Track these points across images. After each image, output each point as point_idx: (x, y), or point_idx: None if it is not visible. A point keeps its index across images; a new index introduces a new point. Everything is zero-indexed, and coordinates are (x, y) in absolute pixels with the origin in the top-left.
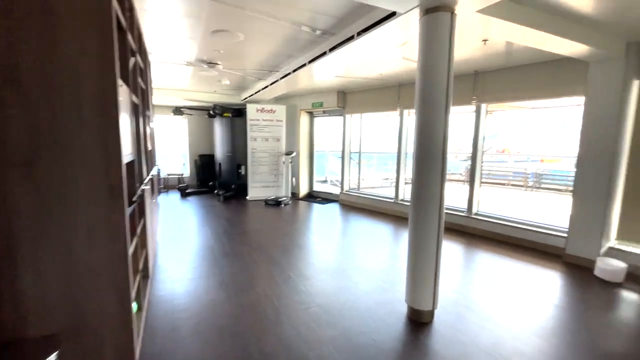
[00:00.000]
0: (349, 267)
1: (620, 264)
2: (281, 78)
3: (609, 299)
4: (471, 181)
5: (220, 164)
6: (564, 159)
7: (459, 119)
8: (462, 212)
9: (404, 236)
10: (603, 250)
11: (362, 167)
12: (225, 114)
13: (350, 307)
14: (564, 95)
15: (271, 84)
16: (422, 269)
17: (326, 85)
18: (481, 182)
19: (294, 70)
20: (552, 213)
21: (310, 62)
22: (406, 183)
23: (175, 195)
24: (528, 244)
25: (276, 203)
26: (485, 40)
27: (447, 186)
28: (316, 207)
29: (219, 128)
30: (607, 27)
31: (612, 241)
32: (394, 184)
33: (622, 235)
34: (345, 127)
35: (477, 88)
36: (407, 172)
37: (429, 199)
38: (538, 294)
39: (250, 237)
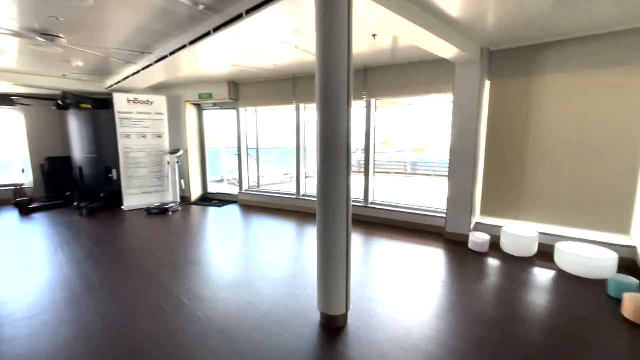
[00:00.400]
0: (254, 277)
1: (485, 237)
2: (157, 62)
3: (481, 267)
4: (366, 172)
5: (80, 168)
6: (429, 148)
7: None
8: (360, 202)
9: (309, 233)
10: (472, 225)
11: (261, 163)
12: (83, 105)
13: (260, 327)
14: (437, 92)
15: (144, 68)
16: (334, 272)
17: (216, 75)
18: (374, 173)
19: (172, 53)
20: (432, 196)
21: (191, 43)
22: (307, 177)
23: (11, 214)
24: (417, 227)
25: (162, 211)
26: (374, 35)
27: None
28: (212, 211)
29: (75, 123)
30: (468, 32)
31: (478, 217)
32: (295, 179)
33: (484, 212)
34: (240, 122)
35: (367, 83)
36: (307, 167)
37: (337, 197)
38: (429, 273)
39: (126, 258)
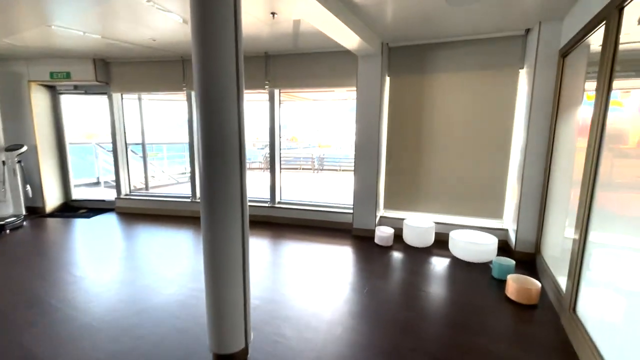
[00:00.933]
0: (130, 310)
1: (389, 231)
2: None
3: (387, 262)
4: (272, 169)
5: None
6: (334, 144)
7: (255, 108)
8: (266, 202)
9: None
10: (377, 220)
11: (150, 161)
12: None
13: None
14: (342, 86)
15: None
16: (227, 298)
17: (74, 48)
18: (281, 169)
19: None
20: (339, 191)
21: None
22: None
23: None
24: (326, 225)
25: None
26: (274, 14)
27: (248, 175)
28: (77, 223)
29: None
30: (370, 23)
31: (382, 211)
32: (189, 179)
33: (387, 205)
34: (114, 111)
35: (269, 72)
36: None
37: (228, 204)
38: (339, 276)
39: None
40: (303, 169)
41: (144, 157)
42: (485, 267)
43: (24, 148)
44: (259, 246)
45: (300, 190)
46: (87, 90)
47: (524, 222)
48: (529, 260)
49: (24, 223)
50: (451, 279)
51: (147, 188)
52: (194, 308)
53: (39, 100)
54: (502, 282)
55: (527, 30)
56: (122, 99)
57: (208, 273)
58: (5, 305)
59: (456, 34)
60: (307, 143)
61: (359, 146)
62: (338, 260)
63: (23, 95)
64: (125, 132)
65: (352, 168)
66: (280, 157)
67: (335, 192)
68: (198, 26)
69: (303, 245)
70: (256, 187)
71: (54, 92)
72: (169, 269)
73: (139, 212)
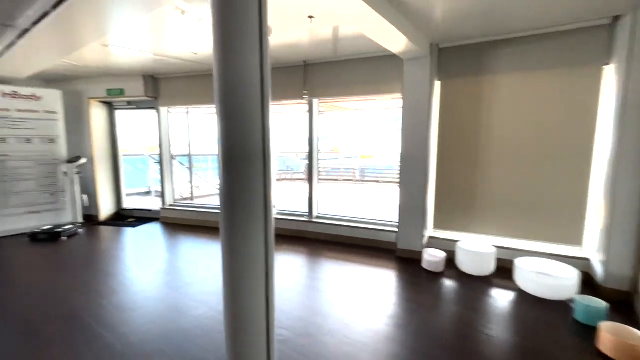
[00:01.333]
0: (159, 333)
1: (440, 255)
2: (19, 37)
3: (437, 293)
4: (310, 181)
5: None
6: (376, 154)
7: (295, 119)
8: (303, 216)
9: None
10: (426, 240)
11: (195, 172)
12: None
13: None
14: (386, 92)
15: (7, 47)
16: (246, 326)
17: (127, 66)
18: (319, 180)
19: (35, 24)
20: (382, 203)
21: (55, 7)
22: None
23: None
24: (367, 243)
25: (52, 236)
26: (311, 17)
27: (288, 186)
28: (123, 232)
29: None
30: (418, 22)
31: (431, 230)
32: None
33: (438, 225)
34: (162, 124)
35: (308, 81)
36: None
37: (249, 213)
38: (381, 308)
39: None
40: (344, 179)
41: (190, 168)
42: (564, 306)
43: (83, 160)
44: (292, 265)
45: (340, 203)
46: (138, 105)
47: (615, 251)
48: (623, 301)
49: (79, 231)
50: (520, 319)
51: (192, 198)
52: (218, 335)
53: (97, 116)
54: (589, 330)
55: (616, 18)
56: (168, 112)
57: (226, 297)
58: (38, 317)
59: (521, 29)
60: (348, 153)
61: (405, 157)
62: (380, 287)
63: (84, 111)
64: (170, 144)
65: (395, 179)
66: (317, 168)
67: (376, 205)
68: (218, 27)
69: (341, 267)
70: (296, 199)
71: (110, 108)
72: (201, 287)
73: (182, 223)
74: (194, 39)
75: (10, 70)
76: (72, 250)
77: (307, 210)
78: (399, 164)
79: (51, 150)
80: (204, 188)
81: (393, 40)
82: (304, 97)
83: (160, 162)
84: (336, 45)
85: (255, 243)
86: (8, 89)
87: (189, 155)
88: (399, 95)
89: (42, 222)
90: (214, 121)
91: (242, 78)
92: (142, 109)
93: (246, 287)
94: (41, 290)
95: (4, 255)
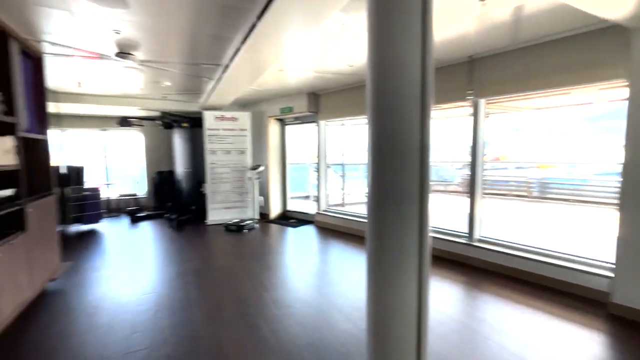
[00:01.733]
0: (300, 343)
1: None
2: (223, 72)
3: None
4: (471, 195)
5: (179, 181)
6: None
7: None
8: (462, 237)
9: None
10: None
11: (347, 179)
12: (184, 124)
13: None
14: (592, 81)
15: (217, 81)
16: None
17: (294, 86)
18: (482, 195)
19: (232, 59)
20: (576, 232)
21: (243, 42)
22: None
23: (125, 221)
24: (553, 284)
25: (238, 228)
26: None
27: (442, 199)
28: (286, 231)
29: (178, 140)
30: None
31: None
32: None
33: None
34: (320, 135)
35: (473, 79)
36: None
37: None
38: None
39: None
40: (515, 195)
41: (343, 176)
42: None
43: (262, 167)
44: (445, 294)
45: (510, 224)
46: (302, 120)
47: None
48: None
49: (255, 226)
50: None
51: (343, 204)
52: (361, 358)
53: (273, 131)
54: None
55: None
56: (325, 125)
57: (370, 326)
58: (217, 299)
59: None
60: (520, 162)
61: (631, 169)
62: (585, 355)
63: (264, 127)
64: (325, 154)
65: (603, 199)
66: (481, 180)
67: (568, 232)
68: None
69: (513, 309)
70: (451, 215)
71: (282, 124)
72: (346, 298)
73: (332, 228)
74: (349, 50)
75: (219, 99)
76: (250, 241)
77: (466, 231)
78: (620, 179)
79: (241, 160)
80: (352, 195)
81: (614, 2)
82: (468, 98)
83: (318, 170)
84: (516, 28)
85: (407, 263)
86: (218, 113)
87: (342, 164)
88: (614, 83)
89: (232, 217)
90: (365, 131)
91: (401, 78)
92: (306, 123)
93: (393, 316)
94: (224, 273)
95: (210, 239)
